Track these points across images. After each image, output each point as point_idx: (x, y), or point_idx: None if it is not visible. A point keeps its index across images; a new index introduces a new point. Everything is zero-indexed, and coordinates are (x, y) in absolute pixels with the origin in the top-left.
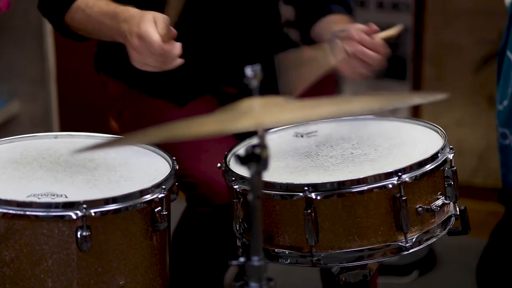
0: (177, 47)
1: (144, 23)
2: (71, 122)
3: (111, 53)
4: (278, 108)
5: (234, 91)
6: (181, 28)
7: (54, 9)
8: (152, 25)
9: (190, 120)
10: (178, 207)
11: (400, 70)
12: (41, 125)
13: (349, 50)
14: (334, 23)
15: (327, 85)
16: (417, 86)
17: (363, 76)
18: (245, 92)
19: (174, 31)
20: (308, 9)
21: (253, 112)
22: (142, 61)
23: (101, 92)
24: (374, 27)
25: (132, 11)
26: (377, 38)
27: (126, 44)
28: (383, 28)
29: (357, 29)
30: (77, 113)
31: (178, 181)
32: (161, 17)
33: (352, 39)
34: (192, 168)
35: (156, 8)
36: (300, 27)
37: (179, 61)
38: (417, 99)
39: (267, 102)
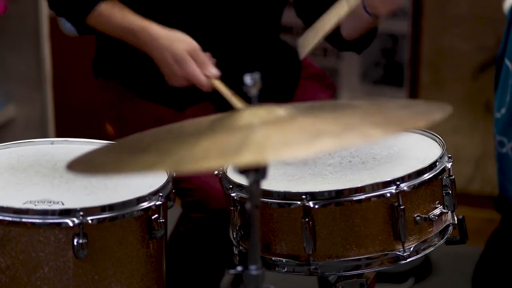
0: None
1: (187, 66)
2: (67, 126)
3: (110, 58)
4: (280, 131)
5: None
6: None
7: (75, 11)
8: (196, 68)
9: (192, 153)
10: (173, 212)
11: (397, 76)
12: (37, 129)
13: None
14: None
15: (326, 92)
16: (414, 93)
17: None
18: (242, 98)
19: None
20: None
21: (255, 140)
22: (178, 84)
23: (97, 96)
24: None
25: (151, 32)
26: None
27: (160, 67)
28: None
29: None
30: (73, 117)
31: (173, 186)
32: (196, 48)
33: None
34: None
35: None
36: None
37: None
38: (422, 123)
39: (267, 117)
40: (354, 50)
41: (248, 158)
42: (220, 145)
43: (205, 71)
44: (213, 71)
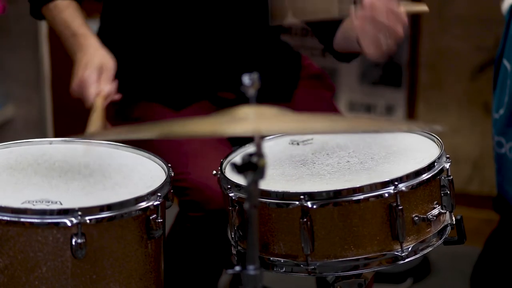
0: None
1: (88, 70)
2: (65, 126)
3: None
4: (273, 117)
5: (231, 97)
6: (179, 32)
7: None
8: (94, 76)
9: (186, 120)
10: (171, 211)
11: (396, 77)
12: (36, 129)
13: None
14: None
15: (325, 93)
16: (412, 93)
17: (381, 49)
18: (242, 98)
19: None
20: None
21: (248, 118)
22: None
23: None
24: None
25: (88, 40)
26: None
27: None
28: None
29: None
30: (71, 117)
31: (172, 185)
32: (109, 68)
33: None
34: (185, 173)
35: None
36: (322, 40)
37: None
38: (405, 127)
39: (263, 112)
40: (342, 60)
41: (241, 128)
42: (212, 120)
43: (99, 86)
44: (104, 89)
